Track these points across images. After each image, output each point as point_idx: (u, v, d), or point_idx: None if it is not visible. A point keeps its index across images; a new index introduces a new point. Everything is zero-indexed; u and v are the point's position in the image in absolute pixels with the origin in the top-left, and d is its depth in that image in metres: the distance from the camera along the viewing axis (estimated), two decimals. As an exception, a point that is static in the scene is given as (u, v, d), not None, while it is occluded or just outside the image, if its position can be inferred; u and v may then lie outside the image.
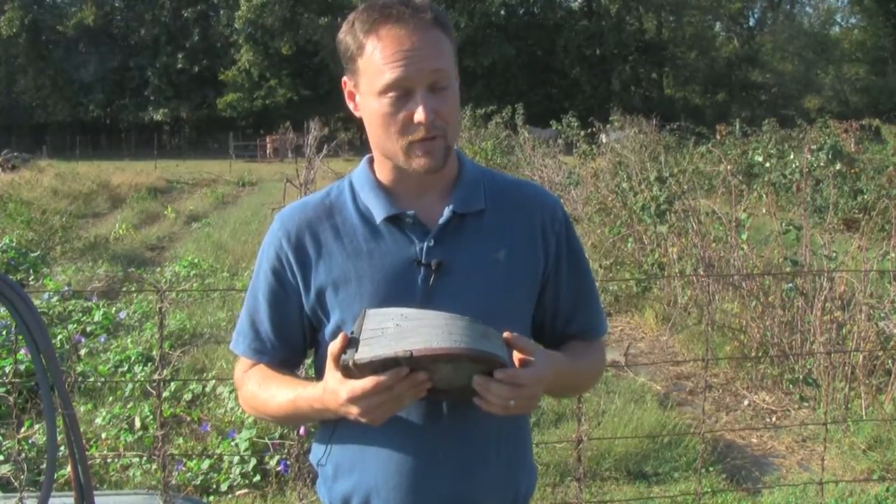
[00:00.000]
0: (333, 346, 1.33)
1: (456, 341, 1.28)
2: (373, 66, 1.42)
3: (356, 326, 1.34)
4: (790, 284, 5.51)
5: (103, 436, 4.42)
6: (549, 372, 1.38)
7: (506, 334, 1.37)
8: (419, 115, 1.40)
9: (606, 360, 1.84)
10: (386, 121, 1.44)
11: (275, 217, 1.61)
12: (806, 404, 5.25)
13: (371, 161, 1.58)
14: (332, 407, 1.38)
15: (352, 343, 1.31)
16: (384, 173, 1.54)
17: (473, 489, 1.51)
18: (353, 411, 1.34)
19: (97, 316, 6.65)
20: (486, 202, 1.55)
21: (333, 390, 1.35)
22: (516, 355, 1.37)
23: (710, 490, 4.11)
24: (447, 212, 1.51)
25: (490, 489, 1.53)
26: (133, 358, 5.57)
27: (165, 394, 4.67)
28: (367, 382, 1.30)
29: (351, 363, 1.29)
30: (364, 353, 1.28)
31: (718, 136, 15.53)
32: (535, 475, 1.67)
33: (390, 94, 1.41)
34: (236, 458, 4.13)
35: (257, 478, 4.09)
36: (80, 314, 6.74)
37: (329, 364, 1.35)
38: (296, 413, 1.50)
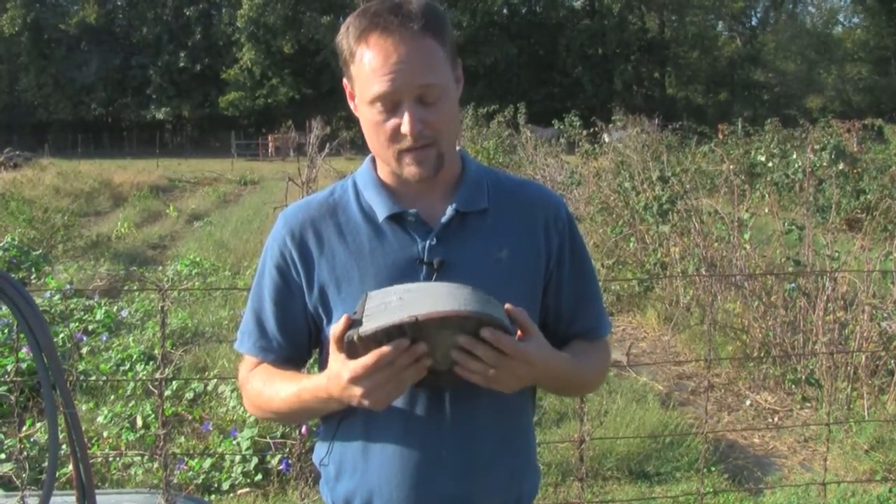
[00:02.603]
0: (336, 328, 1.32)
1: (461, 305, 1.27)
2: (362, 75, 1.43)
3: (359, 307, 1.34)
4: (792, 284, 5.51)
5: (105, 434, 4.42)
6: (536, 352, 1.37)
7: (507, 306, 1.36)
8: (405, 126, 1.41)
9: (611, 359, 1.83)
10: (376, 129, 1.45)
11: (278, 216, 1.61)
12: (808, 404, 5.25)
13: (374, 160, 1.58)
14: (336, 393, 1.37)
15: (354, 324, 1.30)
16: (386, 172, 1.55)
17: (476, 490, 1.51)
18: (356, 393, 1.33)
19: (99, 314, 6.65)
20: (489, 201, 1.55)
21: (336, 373, 1.34)
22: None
23: (711, 490, 4.10)
24: (450, 210, 1.51)
25: (493, 490, 1.53)
26: (135, 357, 5.57)
27: (167, 392, 4.67)
28: (369, 357, 1.29)
29: (356, 337, 1.28)
30: (368, 326, 1.28)
31: (720, 136, 15.54)
32: (538, 477, 1.66)
33: (378, 105, 1.42)
34: (238, 457, 4.13)
35: (259, 477, 4.09)
36: (82, 313, 6.75)
37: (332, 347, 1.34)
38: (301, 406, 1.50)
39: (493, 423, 1.51)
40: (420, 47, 1.40)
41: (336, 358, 1.34)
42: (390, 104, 1.41)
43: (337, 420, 1.54)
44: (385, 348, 1.28)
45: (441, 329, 1.28)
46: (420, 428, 1.48)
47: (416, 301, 1.29)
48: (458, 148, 1.59)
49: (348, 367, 1.31)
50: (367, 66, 1.41)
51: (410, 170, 1.45)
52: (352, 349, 1.31)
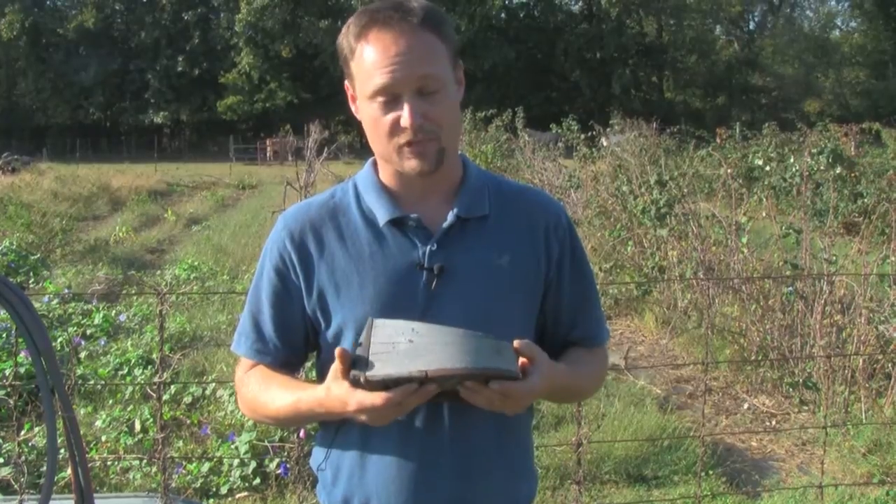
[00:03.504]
0: (342, 359, 1.32)
1: (471, 361, 1.27)
2: (363, 70, 1.43)
3: (364, 338, 1.33)
4: (790, 288, 5.51)
5: (103, 438, 4.42)
6: (544, 385, 1.38)
7: (516, 343, 1.36)
8: (405, 119, 1.41)
9: (608, 365, 1.83)
10: (376, 124, 1.45)
11: (278, 218, 1.61)
12: (806, 408, 5.25)
13: (375, 163, 1.58)
14: (337, 411, 1.38)
15: (360, 359, 1.30)
16: (388, 176, 1.55)
17: (474, 496, 1.51)
18: (361, 418, 1.35)
19: (97, 319, 6.65)
20: (490, 207, 1.55)
21: (340, 398, 1.34)
22: (521, 360, 1.38)
23: (709, 493, 4.11)
24: (451, 216, 1.51)
25: (491, 496, 1.53)
26: (133, 361, 5.57)
27: (165, 397, 4.67)
28: (377, 399, 1.29)
29: (362, 379, 1.28)
30: (377, 371, 1.27)
31: (718, 140, 15.56)
32: (536, 481, 1.66)
33: (378, 99, 1.42)
34: (236, 461, 4.13)
35: (257, 480, 4.08)
36: (81, 317, 6.74)
37: (336, 374, 1.35)
38: (297, 415, 1.50)
39: (490, 428, 1.51)
40: (420, 40, 1.41)
41: (339, 384, 1.34)
42: (391, 97, 1.41)
43: (335, 426, 1.54)
44: (392, 395, 1.28)
45: (449, 379, 1.29)
46: (417, 434, 1.48)
47: (426, 349, 1.28)
48: (459, 153, 1.59)
49: (355, 398, 1.32)
50: (368, 61, 1.41)
51: (410, 163, 1.45)
52: (357, 384, 1.31)
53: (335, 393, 1.35)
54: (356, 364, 1.30)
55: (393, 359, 1.28)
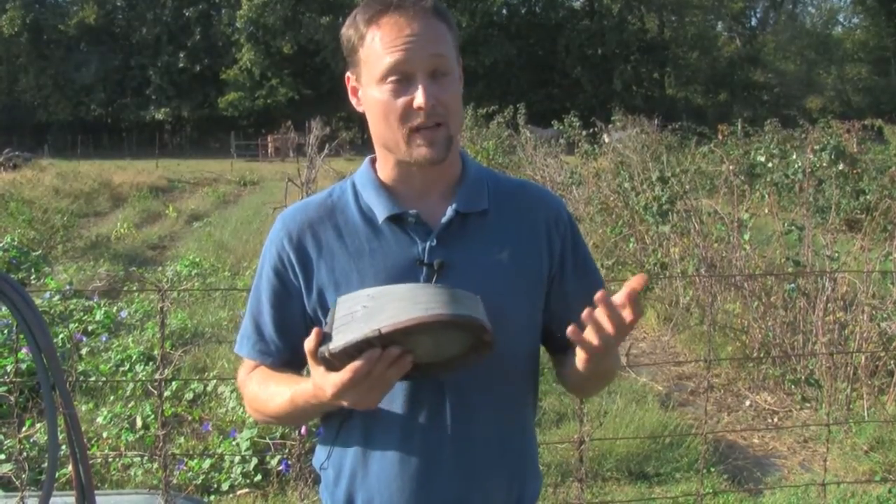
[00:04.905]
0: (309, 343, 1.31)
1: (424, 310, 1.25)
2: (374, 53, 1.43)
3: (329, 317, 1.33)
4: (792, 285, 5.51)
5: (104, 435, 4.42)
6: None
7: (599, 294, 1.30)
8: (419, 99, 1.40)
9: (619, 363, 1.80)
10: (386, 108, 1.43)
11: (277, 218, 1.60)
12: (808, 405, 5.25)
13: (373, 161, 1.57)
14: (326, 401, 1.36)
15: (326, 336, 1.30)
16: (387, 172, 1.54)
17: (476, 494, 1.50)
18: (344, 403, 1.32)
19: (98, 315, 6.65)
20: (490, 203, 1.54)
21: (320, 386, 1.33)
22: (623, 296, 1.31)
23: (711, 491, 4.10)
24: (450, 211, 1.50)
25: (493, 494, 1.52)
26: (134, 357, 5.57)
27: (167, 393, 4.66)
28: (345, 374, 1.27)
29: (327, 354, 1.27)
30: (337, 342, 1.27)
31: (720, 136, 15.50)
32: (539, 480, 1.65)
33: (391, 80, 1.41)
34: (237, 458, 4.13)
35: (258, 477, 4.09)
36: (82, 313, 6.75)
37: (310, 361, 1.33)
38: (294, 410, 1.48)
39: (493, 426, 1.50)
40: (432, 24, 1.43)
41: (316, 371, 1.33)
42: (403, 77, 1.41)
43: (337, 424, 1.54)
44: (357, 363, 1.26)
45: (409, 335, 1.26)
46: (420, 432, 1.48)
47: (380, 309, 1.27)
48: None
49: (330, 381, 1.30)
50: (380, 42, 1.41)
51: (421, 151, 1.44)
52: (328, 363, 1.30)
53: (317, 381, 1.34)
54: (321, 344, 1.30)
55: (351, 327, 1.27)
